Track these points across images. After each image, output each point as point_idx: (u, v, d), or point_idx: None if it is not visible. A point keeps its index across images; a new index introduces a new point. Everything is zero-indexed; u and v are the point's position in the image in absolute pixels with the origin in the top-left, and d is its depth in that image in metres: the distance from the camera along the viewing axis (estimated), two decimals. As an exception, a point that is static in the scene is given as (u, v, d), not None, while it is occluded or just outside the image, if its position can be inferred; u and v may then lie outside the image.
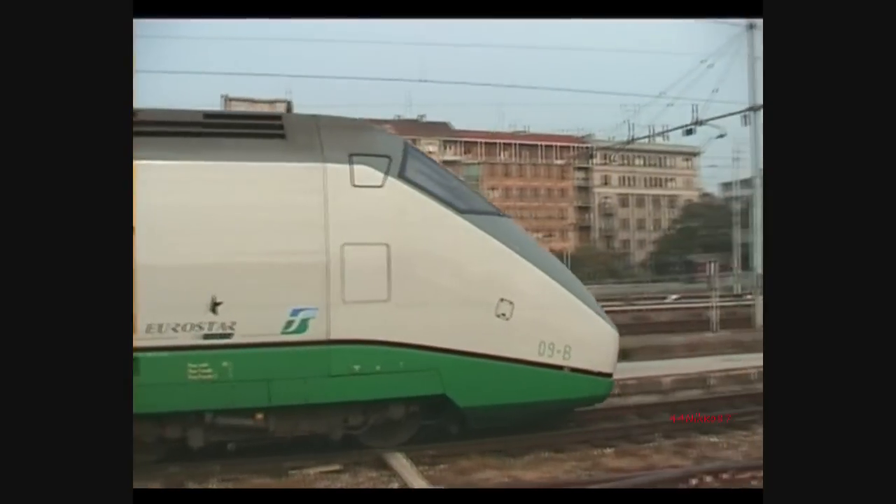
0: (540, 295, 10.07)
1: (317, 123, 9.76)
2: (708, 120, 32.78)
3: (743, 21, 28.40)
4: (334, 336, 9.11)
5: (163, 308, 8.58)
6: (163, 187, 8.69)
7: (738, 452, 10.06)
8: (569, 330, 10.18)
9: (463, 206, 9.90)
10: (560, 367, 10.02)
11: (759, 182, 31.45)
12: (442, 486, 8.46)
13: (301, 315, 9.00)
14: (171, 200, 8.81)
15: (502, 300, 9.71)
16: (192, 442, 9.17)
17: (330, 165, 9.23)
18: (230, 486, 8.66)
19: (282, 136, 9.46)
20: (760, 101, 28.71)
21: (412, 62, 66.43)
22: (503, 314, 9.71)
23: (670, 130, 37.33)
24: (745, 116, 29.22)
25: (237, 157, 9.13)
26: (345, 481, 8.93)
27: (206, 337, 8.77)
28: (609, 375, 10.68)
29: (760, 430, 11.26)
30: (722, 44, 30.71)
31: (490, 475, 8.99)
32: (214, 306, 8.74)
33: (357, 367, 9.19)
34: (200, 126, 9.36)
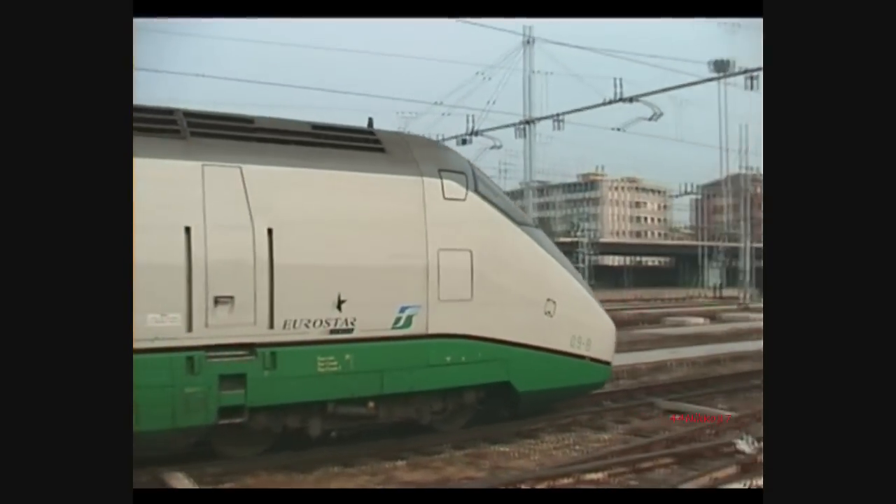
0: (571, 295, 11.76)
1: (405, 140, 10.96)
2: (484, 131, 33.73)
3: (520, 35, 29.50)
4: (431, 331, 10.21)
5: (296, 305, 9.24)
6: (296, 192, 9.41)
7: (531, 461, 10.00)
8: (589, 325, 11.93)
9: (518, 219, 11.46)
10: (583, 357, 11.71)
11: (530, 193, 32.87)
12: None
13: (407, 312, 10.01)
14: (305, 205, 9.50)
15: (548, 300, 11.32)
16: (312, 431, 9.84)
17: (426, 179, 10.35)
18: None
19: (382, 150, 10.35)
20: (535, 114, 30.04)
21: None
22: (548, 312, 11.31)
23: (445, 140, 38.11)
24: (521, 129, 30.29)
25: (354, 167, 9.94)
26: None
27: (332, 332, 9.50)
28: (609, 364, 12.38)
29: (548, 438, 11.46)
30: (500, 56, 31.75)
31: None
32: (339, 304, 9.43)
33: (448, 358, 10.38)
34: (314, 137, 10.05)
